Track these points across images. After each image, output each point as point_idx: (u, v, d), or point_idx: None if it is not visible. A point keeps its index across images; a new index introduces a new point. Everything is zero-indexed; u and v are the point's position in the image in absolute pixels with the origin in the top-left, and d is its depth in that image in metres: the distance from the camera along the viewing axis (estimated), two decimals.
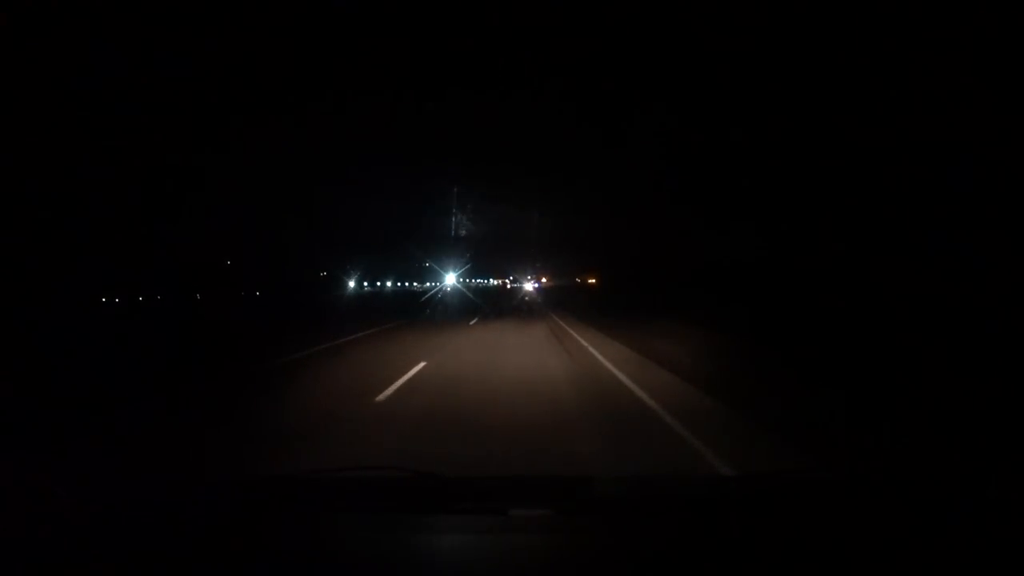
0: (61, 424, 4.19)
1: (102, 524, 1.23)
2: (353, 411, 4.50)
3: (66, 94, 6.31)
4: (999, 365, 4.13)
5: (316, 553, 1.12)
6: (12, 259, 14.11)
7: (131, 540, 1.17)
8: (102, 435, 3.96)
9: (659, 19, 4.48)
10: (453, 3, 4.60)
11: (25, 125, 7.23)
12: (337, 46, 5.50)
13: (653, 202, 11.76)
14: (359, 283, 50.02)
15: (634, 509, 1.33)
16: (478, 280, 57.88)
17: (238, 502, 1.38)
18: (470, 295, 28.13)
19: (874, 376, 4.75)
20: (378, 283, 60.87)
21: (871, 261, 6.18)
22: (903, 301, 5.75)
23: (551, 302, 26.43)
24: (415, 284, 60.19)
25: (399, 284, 63.93)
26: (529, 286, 44.90)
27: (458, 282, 32.64)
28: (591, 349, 8.67)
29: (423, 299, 28.68)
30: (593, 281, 31.86)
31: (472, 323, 14.53)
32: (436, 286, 36.30)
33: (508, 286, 54.72)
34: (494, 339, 10.23)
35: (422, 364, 6.90)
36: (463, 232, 21.53)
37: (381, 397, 5.01)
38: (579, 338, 10.34)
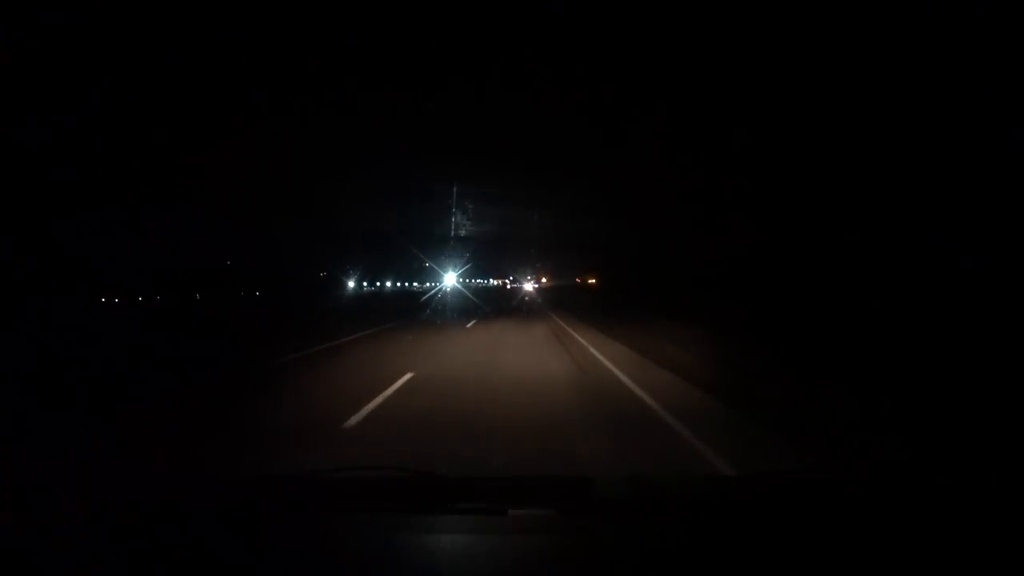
0: (61, 424, 4.18)
1: (102, 524, 1.22)
2: (311, 444, 3.60)
3: (64, 93, 6.31)
4: (999, 365, 4.14)
5: (316, 553, 1.12)
6: (11, 259, 14.11)
7: (131, 540, 1.17)
8: (102, 435, 3.96)
9: (661, 17, 4.48)
10: (453, 2, 4.61)
11: (24, 125, 7.23)
12: (336, 45, 5.50)
13: (654, 202, 11.76)
14: (359, 283, 50.06)
15: (634, 509, 1.33)
16: (478, 280, 57.90)
17: (238, 502, 1.38)
18: (469, 295, 28.11)
19: (874, 376, 4.76)
20: (377, 283, 60.91)
21: (871, 261, 6.18)
22: (903, 301, 5.75)
23: (551, 302, 26.43)
24: (415, 284, 60.20)
25: (399, 284, 63.96)
26: (529, 286, 44.92)
27: (458, 282, 32.61)
28: (598, 355, 8.66)
29: (422, 300, 28.68)
30: (593, 281, 31.88)
31: (469, 326, 13.75)
32: (436, 286, 36.28)
33: (508, 286, 54.74)
34: (491, 344, 9.66)
35: (408, 376, 6.04)
36: (463, 232, 21.52)
37: (351, 422, 4.11)
38: (581, 339, 10.34)
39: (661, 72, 5.67)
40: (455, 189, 14.77)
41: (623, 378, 6.01)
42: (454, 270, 30.55)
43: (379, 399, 4.91)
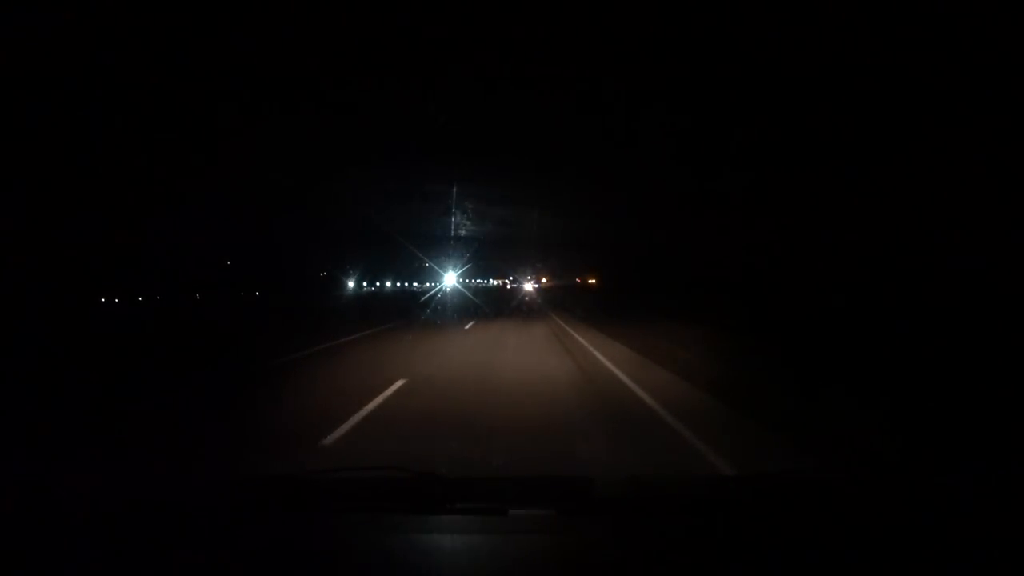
0: (61, 424, 4.18)
1: (102, 524, 1.22)
2: (287, 461, 3.23)
3: (61, 93, 6.30)
4: (1000, 365, 4.14)
5: (316, 553, 1.12)
6: (11, 259, 14.11)
7: (131, 540, 1.17)
8: (101, 435, 3.96)
9: (663, 15, 4.47)
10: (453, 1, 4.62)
11: (23, 124, 7.23)
12: (336, 45, 5.50)
13: (656, 202, 11.75)
14: (358, 283, 50.07)
15: (634, 509, 1.33)
16: (478, 280, 57.84)
17: (238, 502, 1.38)
18: (469, 296, 28.11)
19: (875, 376, 4.76)
20: (377, 283, 60.92)
21: (874, 262, 6.18)
22: (904, 301, 5.75)
23: (552, 303, 26.42)
24: (415, 284, 60.21)
25: (398, 284, 63.97)
26: (529, 286, 44.91)
27: (458, 282, 32.56)
28: (599, 355, 8.65)
29: (420, 300, 28.68)
30: (593, 281, 31.89)
31: (468, 327, 13.33)
32: (436, 286, 36.27)
33: (508, 286, 54.74)
34: (490, 346, 9.29)
35: (400, 383, 5.59)
36: (463, 232, 21.50)
37: (329, 440, 3.73)
38: (582, 339, 10.33)
39: (663, 72, 5.66)
40: (455, 189, 14.73)
41: (624, 379, 6.01)
42: (454, 270, 30.52)
43: (365, 410, 4.47)
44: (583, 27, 4.90)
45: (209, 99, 7.17)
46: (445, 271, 30.49)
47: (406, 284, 63.45)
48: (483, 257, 35.36)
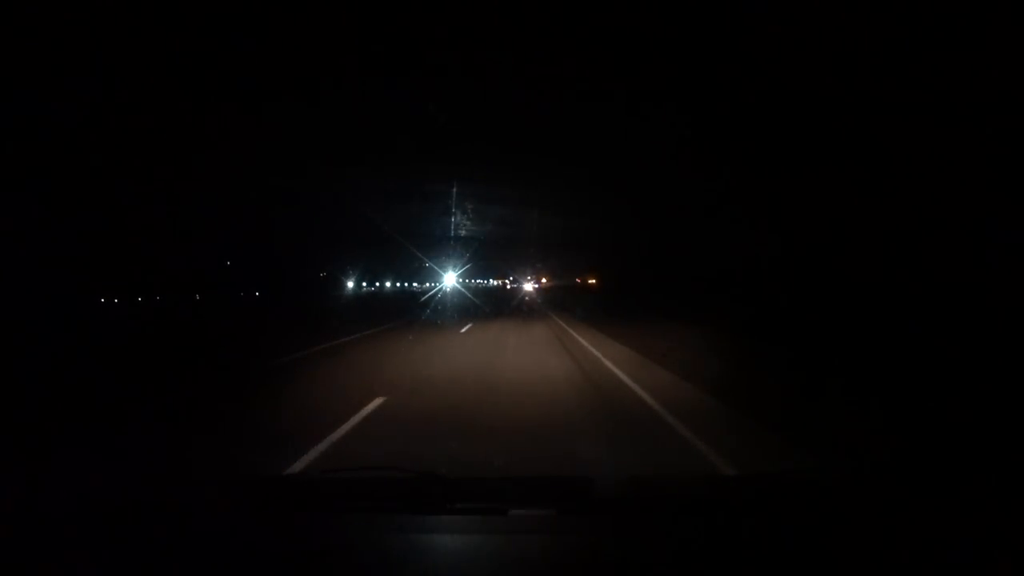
0: (60, 425, 4.18)
1: (102, 524, 1.23)
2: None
3: (60, 93, 6.31)
4: (1001, 365, 4.14)
5: (316, 553, 1.12)
6: (10, 259, 14.11)
7: (131, 540, 1.17)
8: (102, 434, 3.96)
9: (666, 16, 4.47)
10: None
11: (22, 124, 7.23)
12: (335, 45, 5.50)
13: (657, 202, 11.76)
14: (358, 283, 50.09)
15: (634, 509, 1.33)
16: (478, 280, 57.82)
17: (238, 502, 1.38)
18: (469, 296, 28.11)
19: (875, 376, 4.76)
20: (376, 283, 60.92)
21: (875, 262, 6.17)
22: (905, 301, 5.75)
23: (552, 303, 26.42)
24: (414, 284, 60.20)
25: (398, 284, 63.96)
26: (529, 286, 44.92)
27: (458, 283, 32.55)
28: (601, 356, 8.65)
29: (418, 300, 28.69)
30: (593, 281, 31.88)
31: (464, 330, 12.51)
32: (436, 286, 36.28)
33: (508, 286, 54.75)
34: (488, 351, 8.59)
35: (378, 402, 4.71)
36: (463, 232, 21.52)
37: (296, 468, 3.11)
38: (582, 339, 10.33)
39: (663, 72, 5.66)
40: (455, 189, 14.72)
41: (624, 378, 6.01)
42: (454, 270, 30.52)
43: (332, 439, 3.71)
44: (584, 27, 4.90)
45: (210, 99, 7.17)
46: (445, 271, 30.51)
47: (406, 284, 63.46)
48: (483, 257, 35.38)
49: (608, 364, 7.04)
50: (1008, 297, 4.67)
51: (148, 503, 1.34)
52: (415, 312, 19.20)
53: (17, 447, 3.48)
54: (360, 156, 10.80)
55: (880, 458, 3.15)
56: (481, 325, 13.92)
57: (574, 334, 11.12)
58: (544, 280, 44.80)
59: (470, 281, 48.06)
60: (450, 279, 31.16)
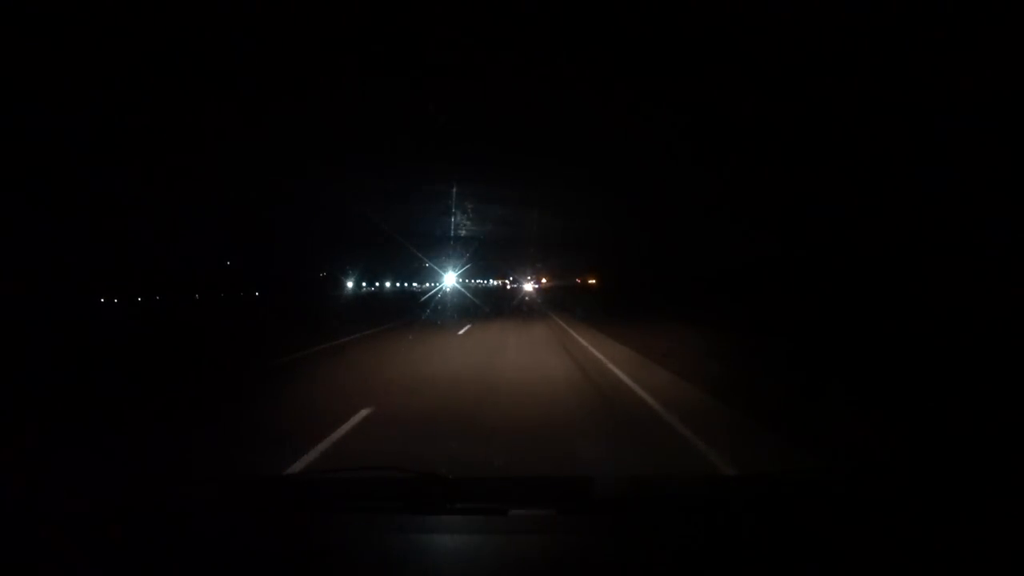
0: (59, 425, 4.18)
1: (102, 524, 1.22)
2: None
3: (59, 92, 6.31)
4: (1001, 366, 4.14)
5: (317, 553, 1.12)
6: (11, 259, 14.11)
7: (131, 540, 1.17)
8: (101, 434, 3.96)
9: (667, 16, 4.47)
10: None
11: (20, 124, 7.23)
12: (336, 44, 5.50)
13: (658, 202, 11.75)
14: (357, 283, 50.08)
15: (634, 509, 1.33)
16: (478, 280, 57.79)
17: (239, 502, 1.38)
18: (469, 296, 28.12)
19: (875, 376, 4.76)
20: (376, 283, 60.91)
21: (877, 263, 6.17)
22: (906, 302, 5.75)
23: (552, 303, 26.42)
24: (414, 284, 60.21)
25: (398, 284, 63.96)
26: (529, 287, 44.93)
27: (458, 283, 32.55)
28: (603, 358, 8.65)
29: (418, 300, 28.70)
30: (593, 282, 31.87)
31: (464, 330, 12.25)
32: (435, 286, 36.29)
33: (508, 287, 54.75)
34: (487, 351, 8.43)
35: (362, 414, 4.28)
36: (463, 232, 21.52)
37: None
38: (582, 339, 10.32)
39: (665, 72, 5.66)
40: (455, 189, 14.72)
41: (624, 378, 6.01)
42: (454, 270, 30.51)
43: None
44: (584, 27, 4.90)
45: (209, 99, 7.17)
46: (445, 271, 30.51)
47: (405, 284, 63.46)
48: (483, 257, 35.34)
49: (608, 364, 7.04)
50: (1008, 297, 4.67)
51: (147, 503, 1.34)
52: (414, 312, 19.19)
53: (16, 447, 3.48)
54: (360, 156, 10.80)
55: (880, 458, 3.15)
56: (481, 325, 13.92)
57: (574, 334, 11.12)
58: (544, 280, 44.81)
59: (470, 281, 48.08)
60: (450, 279, 31.17)
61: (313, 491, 1.49)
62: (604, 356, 7.75)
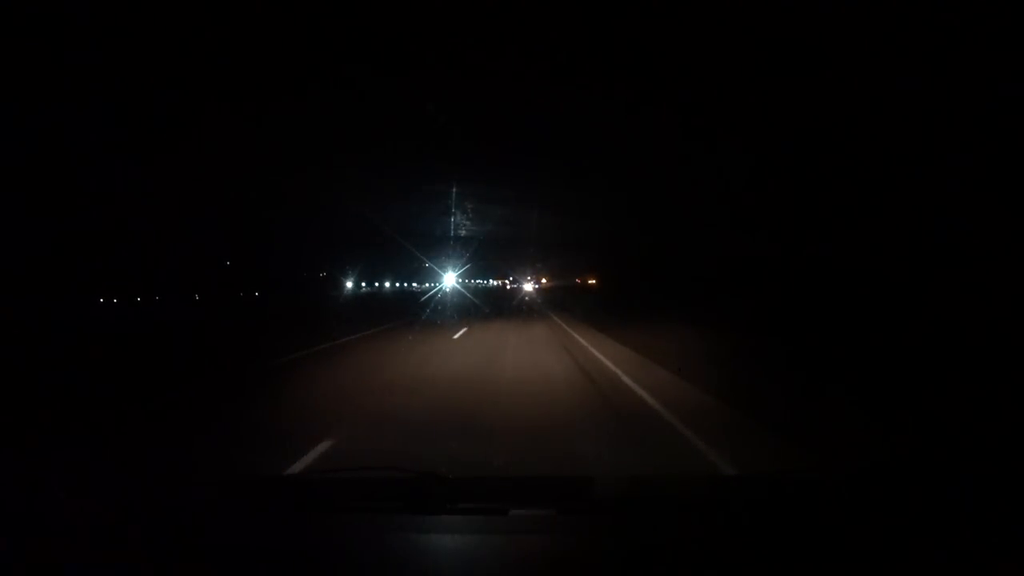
0: (60, 424, 4.18)
1: (102, 524, 1.22)
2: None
3: (57, 92, 6.30)
4: (1001, 365, 4.13)
5: (317, 553, 1.12)
6: (10, 259, 14.10)
7: (130, 540, 1.17)
8: (101, 435, 3.96)
9: (664, 15, 4.45)
10: None
11: (20, 125, 7.23)
12: (335, 43, 5.50)
13: (656, 202, 11.74)
14: (357, 283, 50.06)
15: (635, 509, 1.33)
16: (478, 280, 57.71)
17: (239, 502, 1.38)
18: (469, 296, 28.13)
19: (876, 376, 4.75)
20: (376, 283, 60.90)
21: (880, 263, 6.14)
22: (908, 302, 5.73)
23: (552, 303, 26.43)
24: (414, 284, 60.21)
25: (397, 284, 63.95)
26: (529, 287, 44.94)
27: (457, 283, 32.53)
28: (607, 363, 8.65)
29: (418, 300, 28.71)
30: (593, 282, 31.85)
31: (465, 330, 11.94)
32: (435, 287, 36.29)
33: (508, 287, 54.75)
34: (487, 351, 8.18)
35: (322, 447, 3.50)
36: (463, 232, 21.49)
37: None
38: (582, 340, 10.33)
39: (665, 72, 5.66)
40: (455, 189, 14.70)
41: (624, 378, 6.01)
42: (453, 270, 30.46)
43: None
44: (584, 27, 4.89)
45: (208, 99, 7.17)
46: (444, 271, 30.46)
47: (405, 284, 63.45)
48: (483, 257, 35.29)
49: (608, 364, 7.04)
50: (1009, 297, 4.66)
51: (147, 503, 1.34)
52: (414, 312, 19.19)
53: (15, 448, 3.48)
54: (360, 156, 10.79)
55: (880, 458, 3.15)
56: (481, 325, 13.93)
57: (573, 334, 11.13)
58: (544, 280, 44.78)
59: (470, 281, 48.05)
60: (450, 279, 31.14)
61: (313, 491, 1.49)
62: (604, 356, 7.75)
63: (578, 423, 4.17)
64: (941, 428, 3.47)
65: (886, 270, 4.92)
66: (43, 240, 14.67)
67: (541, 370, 6.57)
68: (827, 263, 5.67)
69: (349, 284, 46.57)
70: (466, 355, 8.09)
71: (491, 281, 62.35)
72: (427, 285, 48.24)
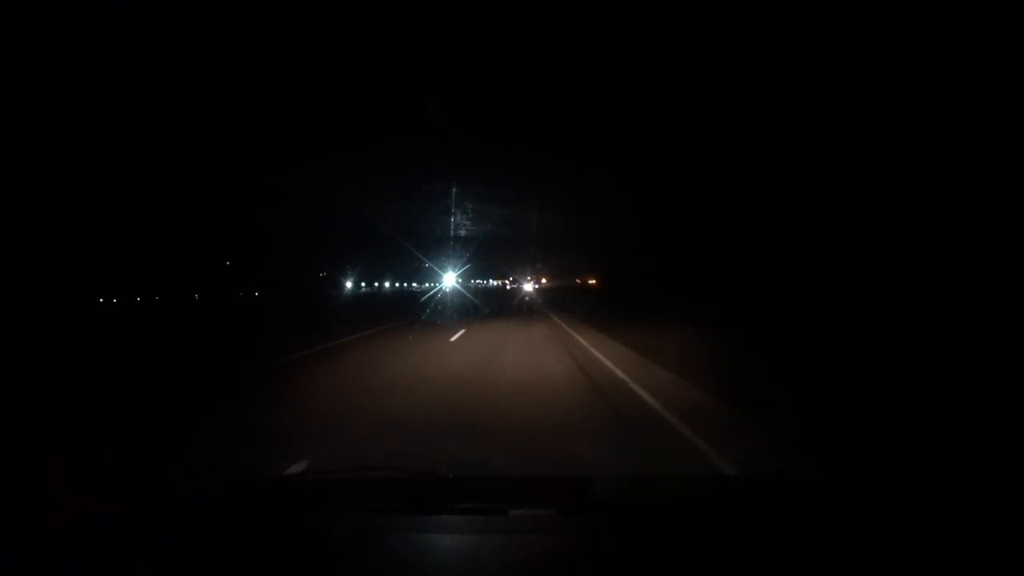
0: (60, 424, 4.18)
1: (102, 524, 1.22)
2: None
3: (57, 92, 6.30)
4: (1001, 365, 4.13)
5: (317, 553, 1.12)
6: (10, 258, 14.10)
7: (130, 540, 1.17)
8: (101, 435, 3.96)
9: (664, 15, 4.45)
10: None
11: (21, 126, 7.23)
12: (334, 43, 5.50)
13: (659, 202, 11.73)
14: (356, 283, 50.05)
15: (634, 509, 1.33)
16: (477, 281, 57.65)
17: (238, 502, 1.38)
18: (469, 296, 28.12)
19: (876, 376, 4.75)
20: (375, 283, 60.89)
21: (882, 265, 6.14)
22: (910, 303, 5.73)
23: (552, 304, 26.41)
24: (414, 284, 60.21)
25: (397, 284, 63.95)
26: (529, 287, 44.93)
27: (457, 283, 32.51)
28: (607, 362, 8.64)
29: (417, 300, 28.70)
30: (593, 282, 31.84)
31: (464, 330, 11.69)
32: (435, 287, 36.29)
33: (508, 287, 54.74)
34: (488, 351, 8.05)
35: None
36: (463, 232, 21.48)
37: None
38: (582, 339, 10.33)
39: (665, 72, 5.66)
40: (455, 189, 14.70)
41: (624, 378, 6.01)
42: (453, 270, 30.44)
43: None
44: (584, 27, 4.89)
45: (208, 98, 7.17)
46: (444, 271, 30.44)
47: (405, 284, 63.44)
48: (483, 257, 35.27)
49: (608, 364, 7.04)
50: (1009, 297, 4.66)
51: (147, 503, 1.34)
52: (414, 312, 19.18)
53: (13, 448, 3.48)
54: (359, 156, 10.79)
55: (880, 458, 3.15)
56: (481, 325, 13.93)
57: (573, 334, 11.13)
58: (544, 280, 44.77)
59: (470, 281, 48.02)
60: (449, 279, 31.11)
61: (313, 491, 1.49)
62: (604, 356, 7.75)
63: (578, 423, 4.16)
64: (941, 428, 3.47)
65: (886, 270, 4.92)
66: (43, 240, 14.67)
67: (541, 370, 6.57)
68: (827, 263, 5.66)
69: (349, 284, 46.58)
70: (466, 355, 8.09)
71: (491, 281, 62.31)
72: (427, 285, 48.25)
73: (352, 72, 6.40)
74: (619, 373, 6.32)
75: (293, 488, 1.54)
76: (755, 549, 1.11)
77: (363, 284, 54.92)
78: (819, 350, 5.59)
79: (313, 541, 1.16)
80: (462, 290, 31.81)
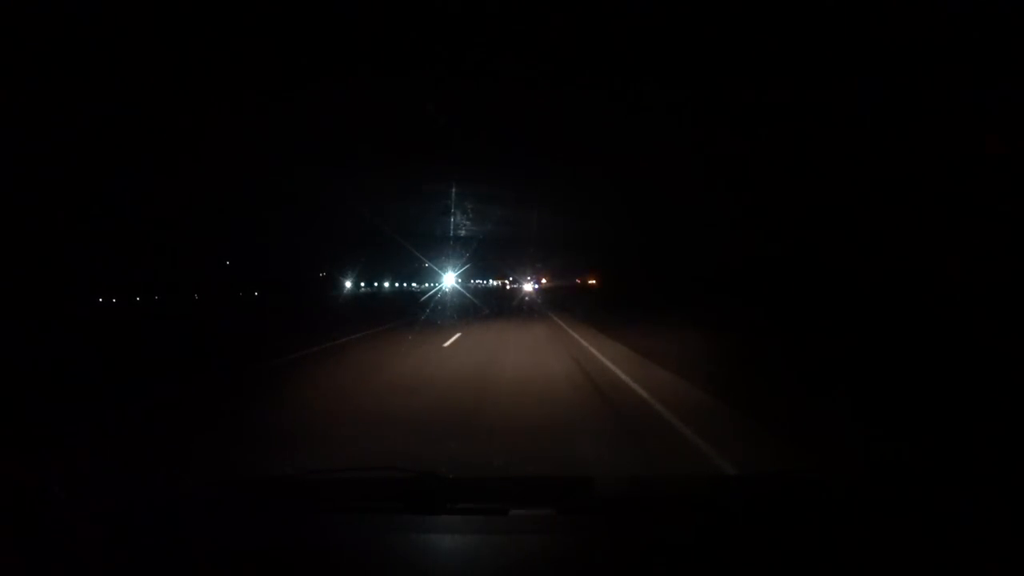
0: (60, 424, 4.17)
1: (102, 524, 1.22)
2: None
3: (57, 92, 6.31)
4: (1001, 366, 4.14)
5: (317, 553, 1.12)
6: (10, 258, 14.11)
7: (130, 540, 1.17)
8: (101, 435, 3.96)
9: (667, 14, 4.46)
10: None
11: (20, 126, 7.23)
12: (335, 43, 5.50)
13: (659, 202, 11.74)
14: (356, 284, 50.07)
15: (634, 509, 1.33)
16: (477, 281, 57.65)
17: (238, 502, 1.38)
18: (468, 296, 28.09)
19: (876, 376, 4.76)
20: (375, 283, 60.88)
21: (876, 262, 6.16)
22: (908, 304, 5.75)
23: (552, 304, 26.39)
24: (413, 284, 60.21)
25: (397, 284, 63.94)
26: (529, 287, 44.93)
27: (457, 283, 32.48)
28: (607, 362, 8.64)
29: (417, 300, 28.67)
30: (593, 282, 31.86)
31: (464, 330, 11.43)
32: (435, 287, 36.28)
33: (508, 287, 54.73)
34: (488, 350, 7.98)
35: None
36: (462, 232, 21.49)
37: None
38: (583, 340, 10.32)
39: (665, 72, 5.66)
40: (455, 189, 14.70)
41: (624, 377, 6.01)
42: (453, 270, 30.43)
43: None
44: (584, 27, 4.90)
45: (209, 99, 7.17)
46: (444, 271, 30.42)
47: (405, 284, 63.42)
48: (483, 257, 35.31)
49: (608, 363, 7.04)
50: (1009, 297, 4.67)
51: (147, 503, 1.34)
52: (414, 313, 19.17)
53: (13, 448, 3.47)
54: (360, 156, 10.79)
55: (880, 458, 3.15)
56: (480, 325, 13.92)
57: (573, 334, 11.12)
58: (544, 280, 44.81)
59: (470, 281, 48.00)
60: (449, 279, 31.09)
61: (313, 491, 1.49)
62: (604, 355, 7.75)
63: (578, 422, 4.16)
64: (941, 428, 3.46)
65: (886, 270, 4.92)
66: (43, 240, 14.67)
67: (541, 369, 6.57)
68: (827, 263, 5.66)
69: (348, 284, 46.61)
70: (466, 355, 8.09)
71: (491, 281, 62.29)
72: (427, 285, 48.25)
73: (352, 72, 6.41)
74: (619, 373, 6.32)
75: (293, 488, 1.54)
76: (755, 549, 1.11)
77: (363, 284, 54.96)
78: (818, 350, 5.59)
79: (313, 541, 1.16)
80: (462, 290, 31.79)
